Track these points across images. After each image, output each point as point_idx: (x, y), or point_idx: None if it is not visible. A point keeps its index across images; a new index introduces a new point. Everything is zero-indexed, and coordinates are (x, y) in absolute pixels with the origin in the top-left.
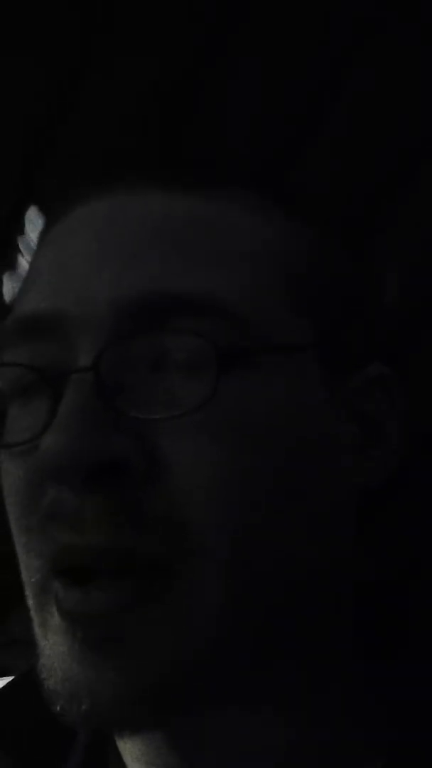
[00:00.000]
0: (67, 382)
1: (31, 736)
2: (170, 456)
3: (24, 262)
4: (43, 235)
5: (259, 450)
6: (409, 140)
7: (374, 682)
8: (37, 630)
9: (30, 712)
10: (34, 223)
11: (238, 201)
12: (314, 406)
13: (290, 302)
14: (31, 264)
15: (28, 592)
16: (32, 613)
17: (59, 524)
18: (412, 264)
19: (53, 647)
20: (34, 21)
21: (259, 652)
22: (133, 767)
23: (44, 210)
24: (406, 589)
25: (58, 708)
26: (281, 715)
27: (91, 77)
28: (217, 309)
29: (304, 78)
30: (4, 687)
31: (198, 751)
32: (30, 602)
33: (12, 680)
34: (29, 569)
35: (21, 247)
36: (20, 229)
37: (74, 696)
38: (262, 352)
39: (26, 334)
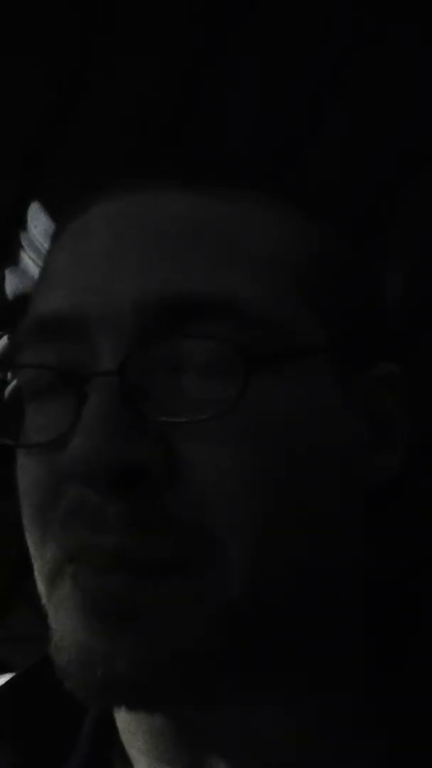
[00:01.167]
0: (91, 384)
1: (36, 732)
2: (194, 461)
3: (26, 258)
4: (58, 233)
5: (279, 453)
6: (416, 139)
7: (380, 682)
8: (50, 611)
9: (35, 708)
10: (36, 219)
11: (252, 201)
12: (329, 407)
13: (305, 303)
14: (47, 263)
15: (41, 579)
16: (44, 597)
17: (80, 522)
18: (419, 263)
19: (66, 622)
20: (33, 21)
21: (270, 648)
22: (139, 761)
23: (50, 208)
24: (416, 588)
25: (71, 683)
26: (288, 712)
27: (93, 77)
28: (239, 312)
29: (308, 76)
30: (8, 682)
31: (205, 746)
32: (42, 588)
33: (16, 675)
34: (44, 559)
35: (23, 243)
36: (22, 226)
37: (88, 666)
38: (283, 356)
39: (47, 335)
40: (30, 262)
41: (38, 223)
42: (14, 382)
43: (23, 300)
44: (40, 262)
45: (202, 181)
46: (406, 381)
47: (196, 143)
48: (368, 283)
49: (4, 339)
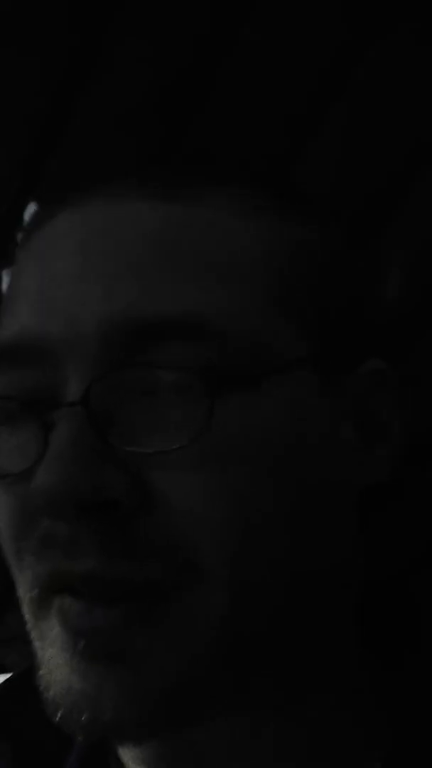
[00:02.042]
0: (58, 414)
1: (32, 732)
2: (164, 489)
3: None
4: (23, 245)
5: (257, 473)
6: (409, 139)
7: (376, 682)
8: (36, 643)
9: (31, 709)
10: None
11: (229, 205)
12: (312, 414)
13: (283, 313)
14: (12, 279)
15: (26, 607)
16: (30, 626)
17: (53, 551)
18: (412, 260)
19: (52, 659)
20: (33, 22)
21: (259, 665)
22: None
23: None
24: (410, 587)
25: (58, 719)
26: (282, 717)
27: (87, 80)
28: (209, 332)
29: (302, 77)
30: (4, 683)
31: (201, 758)
32: (27, 616)
33: (12, 676)
34: (25, 586)
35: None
36: (20, 225)
37: (75, 706)
38: (259, 375)
39: (12, 361)
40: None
41: None
42: None
43: None
44: None
45: (179, 188)
46: (395, 377)
47: (185, 142)
48: (360, 281)
49: None
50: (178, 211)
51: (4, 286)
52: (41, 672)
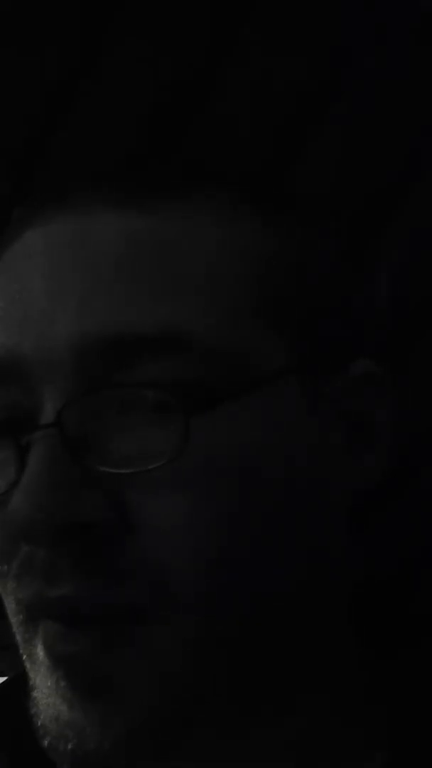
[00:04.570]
0: (33, 437)
1: (28, 740)
2: (142, 510)
3: None
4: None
5: (239, 490)
6: (409, 139)
7: (374, 683)
8: (27, 665)
9: (27, 716)
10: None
11: (208, 214)
12: (297, 421)
13: (266, 319)
14: None
15: (15, 629)
16: (21, 648)
17: (32, 577)
18: (403, 261)
19: (41, 682)
20: (32, 23)
21: (245, 681)
22: None
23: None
24: (405, 586)
25: (46, 743)
26: (276, 722)
27: (82, 84)
28: (184, 347)
29: (302, 77)
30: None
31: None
32: (18, 638)
33: (7, 680)
34: (11, 610)
35: None
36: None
37: (61, 735)
38: (237, 389)
39: None
40: None
41: None
42: None
43: None
44: None
45: (154, 197)
46: (386, 379)
47: (170, 147)
48: (346, 283)
49: None
50: (151, 223)
51: None
52: (33, 693)
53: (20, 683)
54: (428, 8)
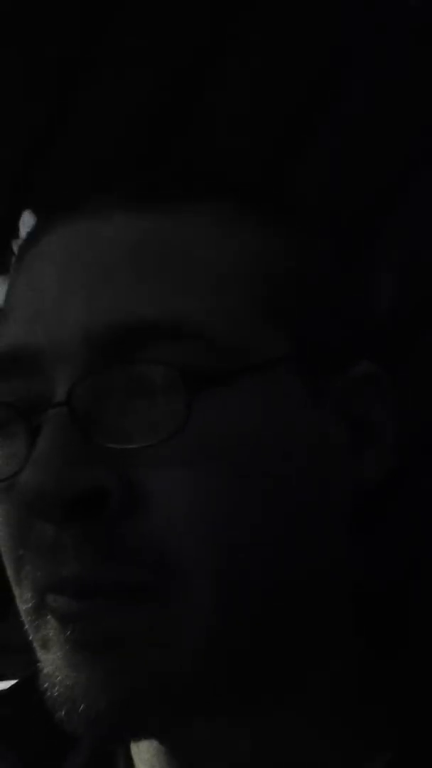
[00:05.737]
0: (44, 417)
1: (38, 739)
2: (148, 485)
3: None
4: (19, 259)
5: (240, 471)
6: (409, 139)
7: (373, 681)
8: (39, 652)
9: (36, 716)
10: (28, 227)
11: (210, 214)
12: (297, 415)
13: (265, 314)
14: (8, 290)
15: (24, 616)
16: (32, 636)
17: (45, 559)
18: (404, 261)
19: (53, 659)
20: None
21: (252, 662)
22: None
23: (42, 216)
24: (407, 587)
25: (59, 718)
26: (283, 717)
27: (81, 88)
28: (188, 333)
29: (302, 77)
30: (10, 687)
31: (204, 758)
32: (28, 627)
33: (17, 682)
34: (23, 598)
35: (16, 252)
36: (15, 234)
37: (72, 701)
38: (237, 373)
39: (4, 372)
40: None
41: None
42: None
43: None
44: None
45: (163, 200)
46: (387, 380)
47: (169, 155)
48: (347, 285)
49: None
50: (157, 224)
51: (1, 299)
52: (43, 674)
53: (29, 686)
54: (428, 8)
